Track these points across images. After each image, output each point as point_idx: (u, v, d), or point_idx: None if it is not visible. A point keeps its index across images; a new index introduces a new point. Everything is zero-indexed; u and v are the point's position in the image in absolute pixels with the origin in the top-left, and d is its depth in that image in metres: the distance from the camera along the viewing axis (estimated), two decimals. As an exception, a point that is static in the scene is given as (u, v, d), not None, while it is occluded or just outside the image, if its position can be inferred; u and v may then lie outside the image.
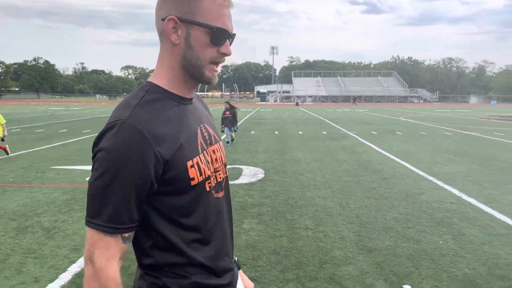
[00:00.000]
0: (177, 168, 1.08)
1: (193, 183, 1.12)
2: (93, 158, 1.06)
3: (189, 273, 1.13)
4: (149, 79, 1.19)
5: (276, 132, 16.85)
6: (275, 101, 74.64)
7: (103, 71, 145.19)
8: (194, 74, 1.15)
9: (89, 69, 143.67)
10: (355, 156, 10.38)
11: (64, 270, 3.65)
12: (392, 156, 10.29)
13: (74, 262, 3.82)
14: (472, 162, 9.43)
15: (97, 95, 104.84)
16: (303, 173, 8.12)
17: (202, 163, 1.15)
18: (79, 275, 3.54)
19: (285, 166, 8.85)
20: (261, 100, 76.17)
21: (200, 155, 1.16)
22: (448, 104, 71.01)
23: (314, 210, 5.54)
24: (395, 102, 72.08)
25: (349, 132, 16.82)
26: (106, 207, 1.01)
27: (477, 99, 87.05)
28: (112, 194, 1.01)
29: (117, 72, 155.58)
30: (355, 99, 62.88)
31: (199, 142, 1.18)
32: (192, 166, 1.12)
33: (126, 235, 1.05)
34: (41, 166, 8.71)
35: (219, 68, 1.18)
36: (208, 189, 1.17)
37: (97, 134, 1.08)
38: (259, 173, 8.05)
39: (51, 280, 3.45)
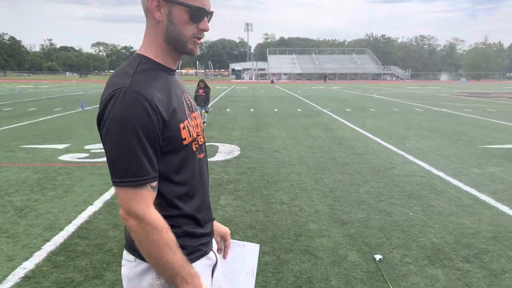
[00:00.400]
0: (172, 129, 1.22)
1: (184, 143, 1.26)
2: (102, 126, 1.17)
3: (180, 224, 1.27)
4: (138, 52, 1.30)
5: (252, 110, 16.84)
6: (250, 78, 74.22)
7: (72, 48, 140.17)
8: (177, 47, 1.28)
9: (58, 46, 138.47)
10: (330, 132, 10.53)
11: (39, 248, 3.62)
12: (365, 133, 10.49)
13: (48, 240, 3.79)
14: (442, 138, 9.72)
15: (67, 73, 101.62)
16: (279, 149, 8.19)
17: (190, 126, 1.29)
18: (54, 253, 3.51)
19: (260, 143, 8.90)
20: (236, 78, 75.57)
21: (188, 119, 1.30)
22: (420, 81, 72.35)
23: (289, 185, 5.63)
24: (369, 79, 72.86)
25: (323, 110, 16.98)
26: (131, 164, 1.13)
27: (447, 76, 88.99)
28: (133, 152, 1.13)
29: (87, 49, 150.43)
30: (326, 76, 63.26)
31: (185, 108, 1.31)
32: (184, 128, 1.26)
33: (154, 184, 1.18)
34: (11, 145, 8.46)
35: (200, 41, 1.31)
36: (194, 149, 1.32)
37: (103, 101, 1.18)
38: (235, 150, 8.07)
39: (26, 259, 3.42)
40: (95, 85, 43.24)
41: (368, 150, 8.16)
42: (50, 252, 3.54)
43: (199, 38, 1.29)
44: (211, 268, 1.37)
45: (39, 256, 3.47)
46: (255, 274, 1.57)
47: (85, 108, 16.71)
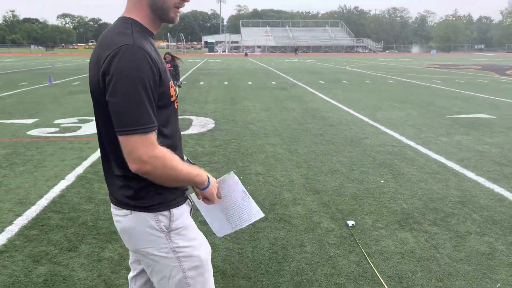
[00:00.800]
0: (164, 86, 1.34)
1: (172, 99, 1.40)
2: (109, 81, 1.24)
3: None
4: (124, 15, 1.38)
5: (226, 83, 16.68)
6: (224, 51, 73.19)
7: (37, 20, 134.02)
8: (160, 15, 1.38)
9: (21, 18, 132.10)
10: (303, 105, 10.58)
11: (10, 223, 3.55)
12: (338, 104, 10.60)
13: (20, 215, 3.72)
14: (412, 108, 9.94)
15: (32, 46, 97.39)
16: (253, 122, 8.20)
17: (172, 87, 1.42)
18: (26, 227, 3.46)
19: (235, 116, 8.87)
20: (209, 51, 74.38)
21: (170, 80, 1.42)
22: (392, 54, 73.05)
23: (264, 157, 5.68)
24: (342, 52, 73.08)
25: (297, 82, 17.00)
26: (140, 114, 1.23)
27: (418, 48, 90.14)
28: (142, 102, 1.23)
29: (53, 21, 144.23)
30: (297, 49, 63.06)
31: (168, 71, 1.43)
32: (171, 86, 1.40)
33: (156, 131, 1.29)
34: (-25, 121, 8.15)
35: (180, 10, 1.42)
36: (176, 107, 1.47)
37: (106, 58, 1.25)
38: (209, 123, 8.03)
39: (-3, 234, 3.35)
40: (63, 59, 41.73)
41: (341, 121, 8.27)
42: (23, 227, 3.49)
43: (178, 8, 1.39)
44: (189, 213, 1.55)
45: (11, 230, 3.41)
46: (248, 194, 1.66)
47: (53, 82, 16.16)
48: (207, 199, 1.55)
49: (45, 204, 3.97)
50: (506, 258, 3.04)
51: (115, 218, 1.45)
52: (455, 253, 3.11)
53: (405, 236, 3.38)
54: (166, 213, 1.40)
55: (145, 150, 1.24)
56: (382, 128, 7.60)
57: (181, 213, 1.45)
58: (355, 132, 7.21)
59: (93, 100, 1.38)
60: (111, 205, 1.47)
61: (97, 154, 5.74)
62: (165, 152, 1.29)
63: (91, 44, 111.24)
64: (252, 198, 1.69)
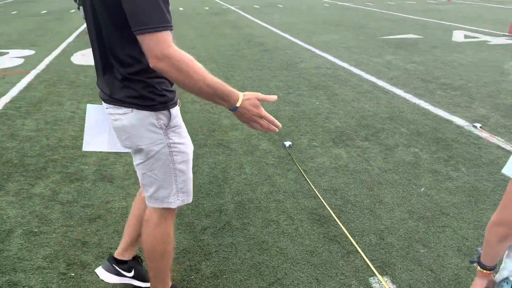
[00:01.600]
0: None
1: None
2: None
3: (165, 80, 1.49)
4: None
5: (155, 9, 15.66)
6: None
7: None
8: None
9: None
10: (239, 30, 10.27)
11: None
12: (274, 29, 10.40)
13: None
14: (346, 31, 10.01)
15: None
16: (187, 49, 7.79)
17: None
18: None
19: (167, 44, 8.43)
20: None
21: None
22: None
23: (200, 84, 5.52)
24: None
25: (231, 7, 16.35)
26: (156, 12, 1.24)
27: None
28: (158, 2, 1.25)
29: None
30: None
31: None
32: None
33: (171, 32, 1.31)
34: None
35: None
36: None
37: None
38: (140, 52, 7.59)
39: None
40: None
41: (277, 46, 8.17)
42: None
43: None
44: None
45: None
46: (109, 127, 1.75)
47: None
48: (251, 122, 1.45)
49: (-38, 145, 3.65)
50: (429, 166, 3.29)
51: (113, 117, 1.53)
52: (384, 164, 3.32)
53: (339, 152, 3.53)
54: (166, 112, 1.51)
55: (159, 48, 1.25)
56: (317, 51, 7.62)
57: (177, 113, 1.57)
58: (290, 56, 7.18)
59: (95, 1, 1.38)
60: (107, 105, 1.53)
61: (17, 88, 5.28)
62: (183, 54, 1.29)
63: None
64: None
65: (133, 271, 1.95)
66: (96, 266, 2.19)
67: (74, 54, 7.42)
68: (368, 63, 6.61)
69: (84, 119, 4.32)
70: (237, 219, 2.62)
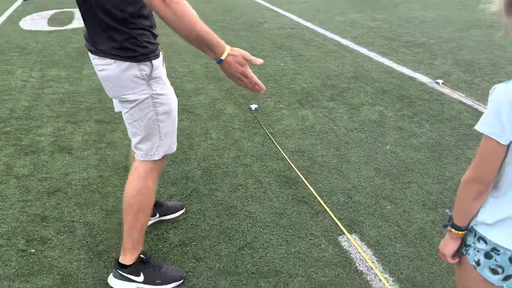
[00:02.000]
0: None
1: None
2: None
3: (147, 34, 1.55)
4: None
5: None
6: None
7: None
8: None
9: None
10: (199, -10, 9.86)
11: None
12: (235, -11, 10.05)
13: None
14: (309, -10, 9.80)
15: None
16: (145, 11, 7.49)
17: None
18: None
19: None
20: None
21: None
22: None
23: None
24: None
25: (190, -34, 15.66)
26: None
27: None
28: None
29: None
30: None
31: None
32: None
33: None
34: None
35: None
36: None
37: None
38: (95, 16, 7.17)
39: None
40: None
41: (239, 6, 7.91)
42: None
43: None
44: (163, 65, 1.67)
45: None
46: None
47: None
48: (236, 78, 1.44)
49: None
50: (394, 123, 3.32)
51: (98, 68, 1.57)
52: (350, 124, 3.32)
53: (306, 114, 3.50)
54: (148, 63, 1.54)
55: None
56: (280, 11, 7.44)
57: (159, 65, 1.60)
58: (253, 17, 6.98)
59: None
60: (93, 56, 1.57)
61: (-40, 58, 4.89)
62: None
63: None
64: None
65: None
66: (58, 241, 2.10)
67: (22, 19, 6.93)
68: (332, 22, 6.52)
69: (37, 88, 4.08)
70: (204, 185, 2.56)
